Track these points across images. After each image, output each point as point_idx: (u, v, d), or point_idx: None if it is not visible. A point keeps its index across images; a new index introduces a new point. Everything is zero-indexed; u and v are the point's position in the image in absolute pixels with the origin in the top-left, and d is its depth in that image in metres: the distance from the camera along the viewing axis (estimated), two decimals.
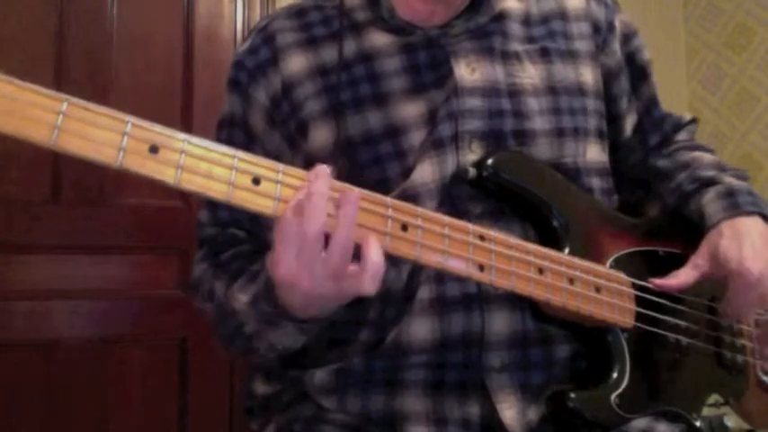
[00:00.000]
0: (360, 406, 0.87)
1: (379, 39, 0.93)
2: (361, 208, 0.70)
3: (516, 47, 0.94)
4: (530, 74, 0.93)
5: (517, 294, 0.80)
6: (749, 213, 0.94)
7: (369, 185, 0.73)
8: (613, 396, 0.86)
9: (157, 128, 0.65)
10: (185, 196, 1.79)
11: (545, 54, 0.95)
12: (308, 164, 0.70)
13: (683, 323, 0.95)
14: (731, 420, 1.06)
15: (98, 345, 1.72)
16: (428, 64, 0.91)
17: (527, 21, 0.97)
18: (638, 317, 0.90)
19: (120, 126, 0.63)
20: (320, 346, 0.88)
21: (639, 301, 0.90)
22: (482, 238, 0.78)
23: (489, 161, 0.85)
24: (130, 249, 1.79)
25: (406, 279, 0.86)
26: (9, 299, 1.66)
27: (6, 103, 0.59)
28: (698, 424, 0.92)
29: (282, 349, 0.84)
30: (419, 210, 0.75)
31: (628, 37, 1.05)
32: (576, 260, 0.85)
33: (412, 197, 0.83)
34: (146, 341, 1.78)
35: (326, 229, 0.67)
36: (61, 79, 1.70)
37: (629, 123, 1.08)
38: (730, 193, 0.96)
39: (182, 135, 0.66)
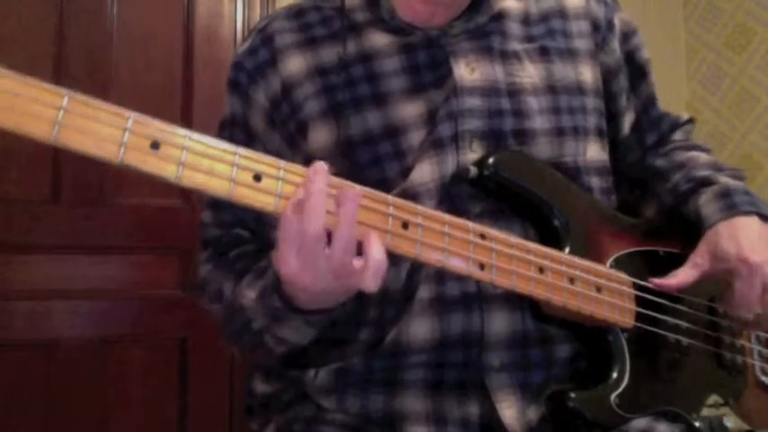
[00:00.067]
0: (359, 406, 0.87)
1: (378, 39, 0.93)
2: (361, 206, 0.70)
3: (515, 46, 0.94)
4: (529, 73, 0.93)
5: (517, 293, 0.80)
6: (746, 213, 0.94)
7: (368, 185, 0.73)
8: (613, 396, 0.85)
9: (159, 124, 0.65)
10: (186, 196, 1.79)
11: (544, 53, 0.95)
12: (308, 164, 0.70)
13: (683, 323, 0.95)
14: (730, 421, 1.06)
15: (98, 345, 1.73)
16: (427, 64, 0.91)
17: (526, 20, 0.97)
18: (639, 317, 0.89)
19: (121, 122, 0.63)
20: (320, 346, 0.88)
21: (640, 301, 0.90)
22: (483, 236, 0.78)
23: (490, 160, 0.85)
24: (130, 249, 1.79)
25: (405, 278, 0.86)
26: (9, 299, 1.66)
27: (7, 98, 0.58)
28: (697, 424, 0.92)
29: (290, 345, 0.84)
30: (419, 208, 0.75)
31: (627, 35, 1.05)
32: (577, 260, 0.85)
33: (411, 197, 0.83)
34: (146, 341, 1.79)
35: (327, 226, 0.67)
36: (61, 79, 1.70)
37: (627, 121, 1.08)
38: (727, 194, 0.96)
39: (183, 131, 0.66)
